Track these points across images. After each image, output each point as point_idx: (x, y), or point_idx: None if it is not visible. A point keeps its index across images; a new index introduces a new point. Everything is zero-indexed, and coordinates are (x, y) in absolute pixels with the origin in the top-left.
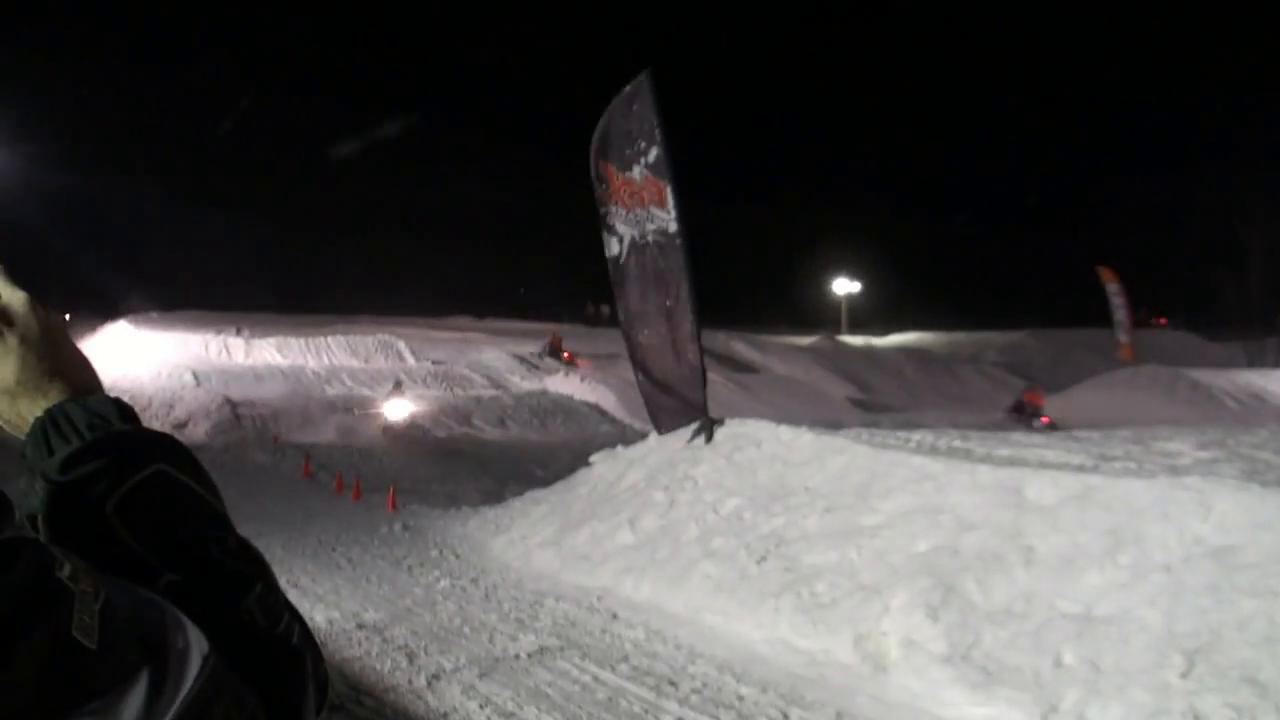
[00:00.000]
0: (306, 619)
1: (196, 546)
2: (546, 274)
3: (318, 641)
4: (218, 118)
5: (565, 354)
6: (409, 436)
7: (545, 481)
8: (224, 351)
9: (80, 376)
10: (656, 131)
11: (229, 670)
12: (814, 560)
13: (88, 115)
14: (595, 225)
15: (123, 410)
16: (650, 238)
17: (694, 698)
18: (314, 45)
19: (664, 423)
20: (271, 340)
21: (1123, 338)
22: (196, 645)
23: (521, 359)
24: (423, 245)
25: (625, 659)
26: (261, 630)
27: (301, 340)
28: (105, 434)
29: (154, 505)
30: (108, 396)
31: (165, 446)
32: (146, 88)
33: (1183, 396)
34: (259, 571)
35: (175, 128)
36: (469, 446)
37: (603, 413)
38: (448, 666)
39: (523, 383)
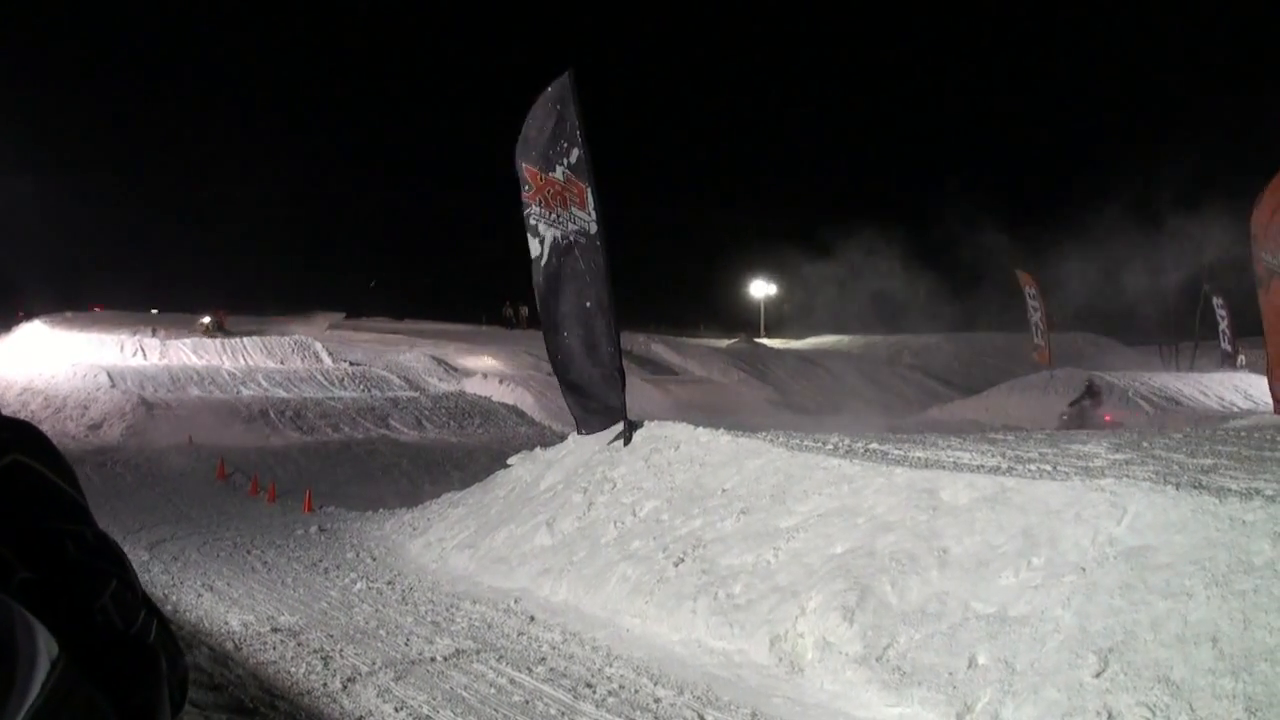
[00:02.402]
0: (220, 622)
1: (52, 542)
2: (464, 275)
3: (185, 641)
4: (133, 116)
5: (223, 324)
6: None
7: (463, 483)
8: (139, 352)
9: None
10: (578, 132)
11: (79, 673)
12: (731, 562)
13: None
14: (513, 226)
15: None
16: (571, 239)
17: (611, 700)
18: (230, 45)
19: (586, 424)
20: (187, 341)
21: (1039, 341)
22: (45, 648)
23: (438, 360)
24: (338, 246)
25: (542, 661)
26: (116, 630)
27: (217, 341)
28: None
29: (9, 498)
30: None
31: (22, 435)
32: (56, 85)
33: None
34: (116, 568)
35: (89, 126)
36: (386, 448)
37: (521, 414)
38: (363, 669)
39: (440, 384)
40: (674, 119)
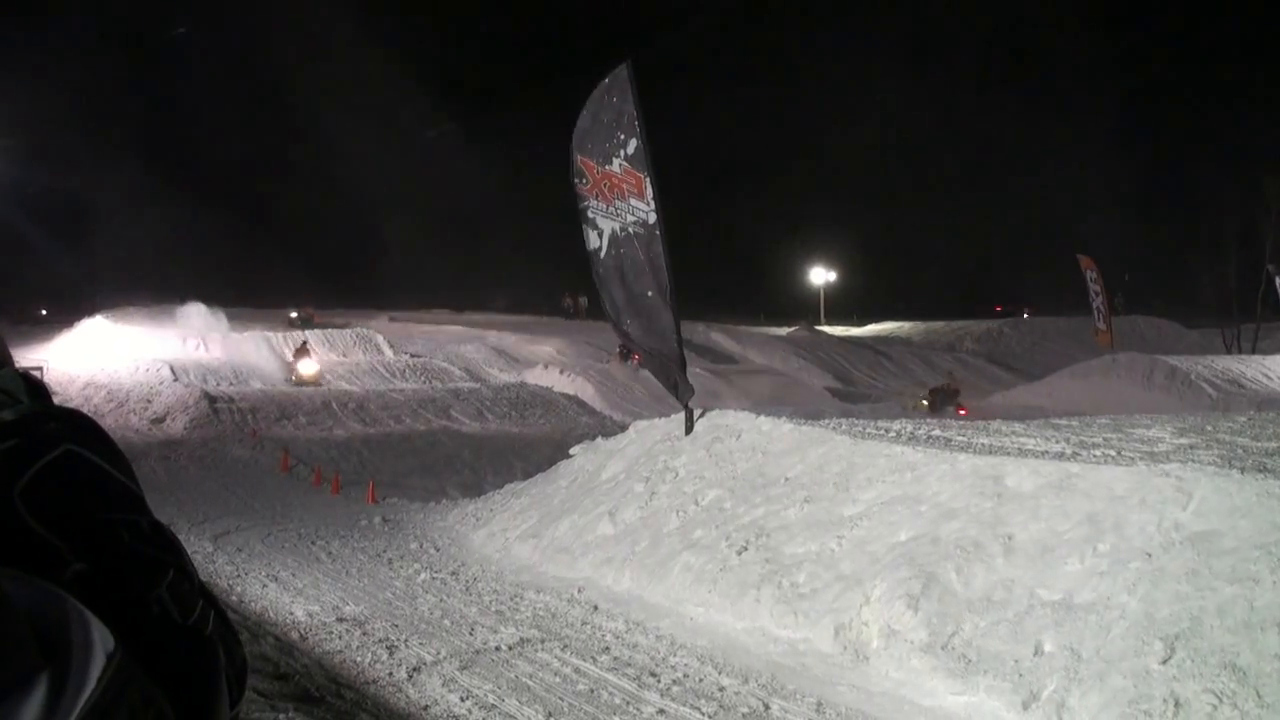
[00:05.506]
0: (285, 612)
1: (107, 532)
2: (524, 267)
3: (241, 632)
4: (195, 110)
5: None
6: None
7: (525, 474)
8: (201, 346)
9: None
10: (636, 123)
11: (135, 667)
12: (794, 550)
13: (57, 108)
14: (573, 217)
15: (31, 385)
16: (630, 229)
17: (675, 689)
18: (293, 39)
19: (684, 392)
20: (249, 334)
21: (1101, 325)
22: (101, 643)
23: (499, 351)
24: (401, 238)
25: (606, 650)
26: (173, 621)
27: (279, 334)
28: (10, 412)
29: (63, 489)
30: (15, 370)
31: (75, 425)
32: (120, 78)
33: (1160, 383)
34: (172, 557)
35: (150, 120)
36: (447, 439)
37: (582, 404)
38: (428, 659)
39: (501, 375)
40: (732, 104)
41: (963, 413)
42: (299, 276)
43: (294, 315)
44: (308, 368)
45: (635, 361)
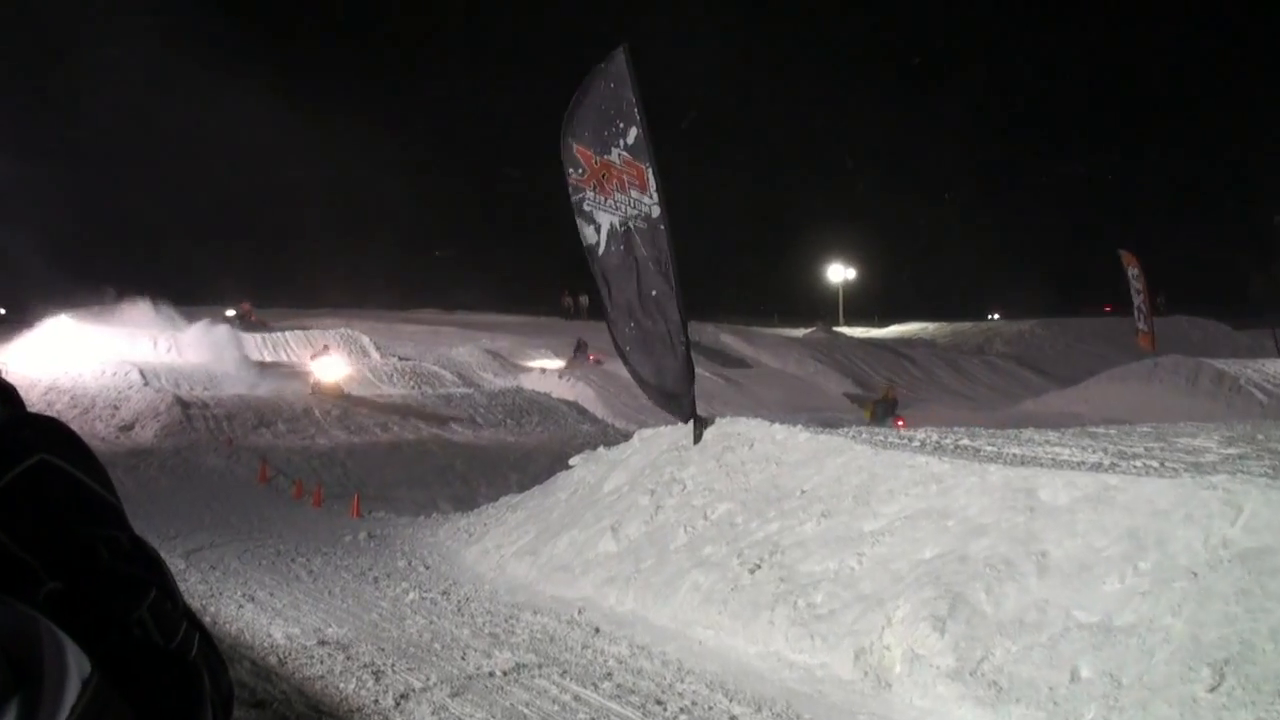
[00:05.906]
0: (263, 634)
1: (84, 548)
2: (520, 265)
3: (224, 656)
4: (168, 103)
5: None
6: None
7: (521, 485)
8: (174, 348)
9: None
10: (636, 111)
11: (113, 694)
12: (811, 568)
13: (22, 95)
14: (569, 212)
15: (3, 390)
16: (631, 224)
17: (683, 718)
18: (282, 35)
19: (685, 406)
20: (214, 325)
21: (1142, 325)
22: (76, 667)
23: (493, 354)
24: (386, 236)
25: (608, 676)
26: (154, 645)
27: (258, 336)
28: None
29: (36, 501)
30: None
31: (49, 433)
32: (93, 71)
33: (1207, 389)
34: (154, 575)
35: (118, 112)
36: (438, 449)
37: (582, 411)
38: (417, 685)
39: (496, 379)
40: (742, 90)
41: (900, 424)
42: (288, 275)
43: (230, 314)
44: (327, 373)
45: (591, 361)
